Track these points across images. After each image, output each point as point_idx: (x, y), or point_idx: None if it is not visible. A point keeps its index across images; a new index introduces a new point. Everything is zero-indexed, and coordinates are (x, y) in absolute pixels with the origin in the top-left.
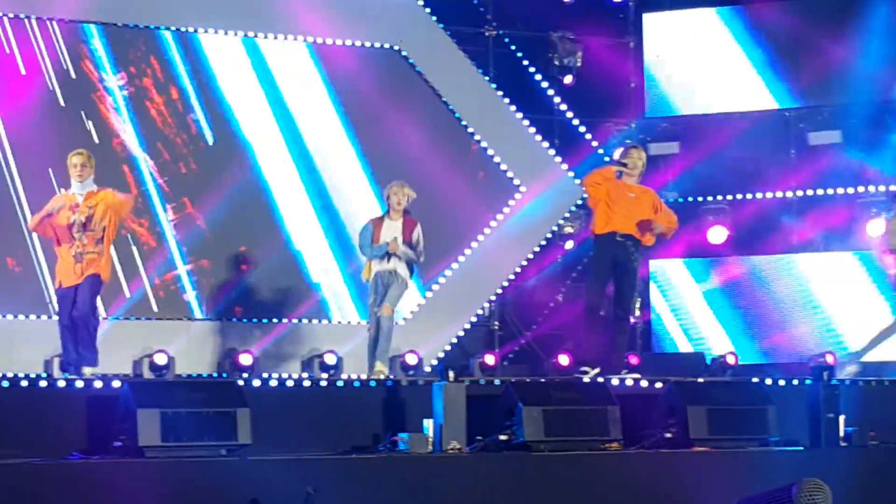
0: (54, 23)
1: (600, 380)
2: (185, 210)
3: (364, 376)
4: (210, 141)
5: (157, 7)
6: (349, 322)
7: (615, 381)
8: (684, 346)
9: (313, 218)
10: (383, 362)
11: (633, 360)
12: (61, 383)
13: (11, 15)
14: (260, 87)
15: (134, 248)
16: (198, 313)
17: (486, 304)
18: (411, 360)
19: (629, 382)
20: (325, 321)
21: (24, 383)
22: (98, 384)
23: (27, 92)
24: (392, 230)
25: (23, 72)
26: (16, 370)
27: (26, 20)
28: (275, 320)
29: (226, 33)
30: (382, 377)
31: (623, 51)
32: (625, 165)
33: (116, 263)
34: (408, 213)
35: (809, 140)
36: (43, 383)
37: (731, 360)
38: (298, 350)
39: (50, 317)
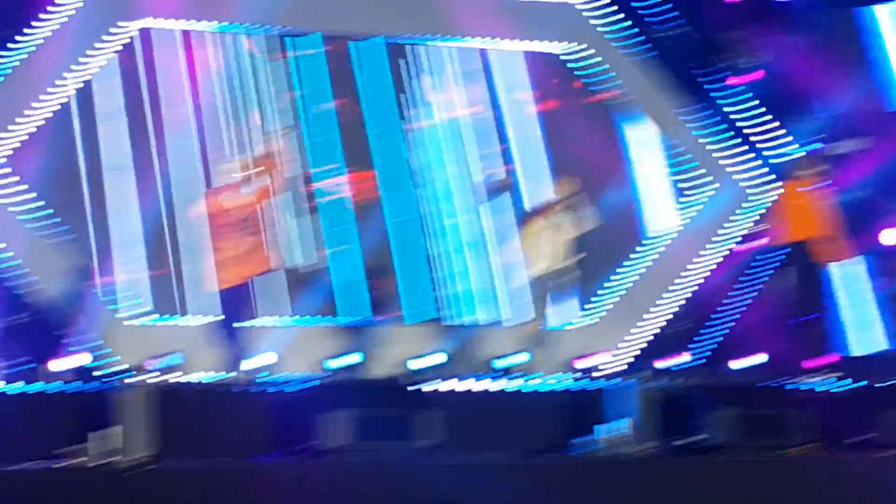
0: None
1: None
2: None
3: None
4: None
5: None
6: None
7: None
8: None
9: None
10: None
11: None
12: (252, 385)
13: None
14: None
15: None
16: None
17: (678, 305)
18: (602, 360)
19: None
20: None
21: (217, 385)
22: (289, 386)
23: None
24: None
25: None
26: (210, 372)
27: None
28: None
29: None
30: None
31: (813, 47)
32: None
33: None
34: None
35: None
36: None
37: None
38: (484, 353)
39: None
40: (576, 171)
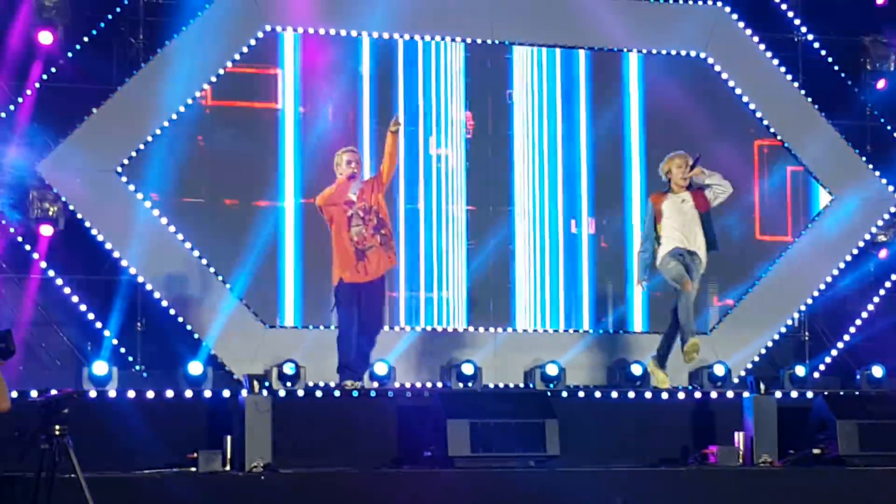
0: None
1: None
2: None
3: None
4: None
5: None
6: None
7: None
8: None
9: None
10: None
11: None
12: (373, 393)
13: None
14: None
15: None
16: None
17: (796, 315)
18: (720, 371)
19: None
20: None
21: (337, 393)
22: (408, 394)
23: None
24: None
25: None
26: (328, 379)
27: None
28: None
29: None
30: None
31: None
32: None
33: None
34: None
35: None
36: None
37: None
38: (606, 360)
39: None
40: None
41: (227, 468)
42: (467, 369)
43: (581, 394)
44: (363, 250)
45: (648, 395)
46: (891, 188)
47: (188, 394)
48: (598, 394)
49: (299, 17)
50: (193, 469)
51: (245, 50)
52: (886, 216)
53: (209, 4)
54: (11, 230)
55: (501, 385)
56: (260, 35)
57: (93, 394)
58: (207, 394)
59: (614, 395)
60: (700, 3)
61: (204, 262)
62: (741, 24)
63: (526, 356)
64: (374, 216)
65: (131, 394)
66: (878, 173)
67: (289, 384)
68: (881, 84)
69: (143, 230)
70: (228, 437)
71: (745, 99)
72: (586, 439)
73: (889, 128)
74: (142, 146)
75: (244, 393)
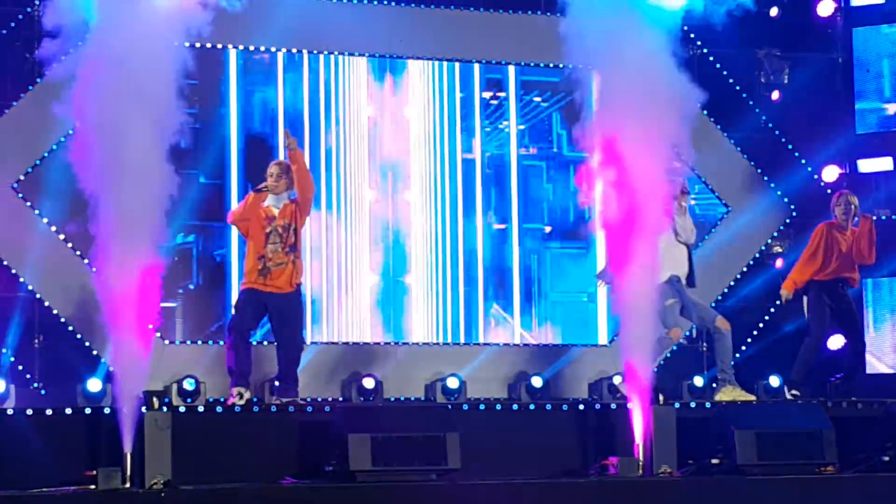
0: None
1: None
2: None
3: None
4: None
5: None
6: (554, 345)
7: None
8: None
9: None
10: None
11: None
12: (273, 408)
13: None
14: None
15: None
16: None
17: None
18: (619, 382)
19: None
20: (529, 344)
21: (237, 408)
22: (309, 409)
23: None
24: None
25: None
26: (228, 395)
27: None
28: (477, 344)
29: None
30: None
31: (832, 67)
32: None
33: None
34: None
35: None
36: (255, 407)
37: None
38: (503, 373)
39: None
40: None
41: (127, 485)
42: (368, 383)
43: (482, 406)
44: (270, 268)
45: (549, 407)
46: (786, 199)
47: (87, 410)
48: (498, 406)
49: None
50: (92, 487)
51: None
52: (781, 227)
53: None
54: None
55: (403, 399)
56: None
57: None
58: (107, 410)
59: (515, 407)
60: None
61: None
62: None
63: (427, 370)
64: (291, 235)
65: (29, 411)
66: (773, 185)
67: (189, 400)
68: (775, 95)
69: (39, 246)
70: (128, 454)
71: None
72: (487, 452)
73: (784, 140)
74: (38, 162)
75: (143, 409)
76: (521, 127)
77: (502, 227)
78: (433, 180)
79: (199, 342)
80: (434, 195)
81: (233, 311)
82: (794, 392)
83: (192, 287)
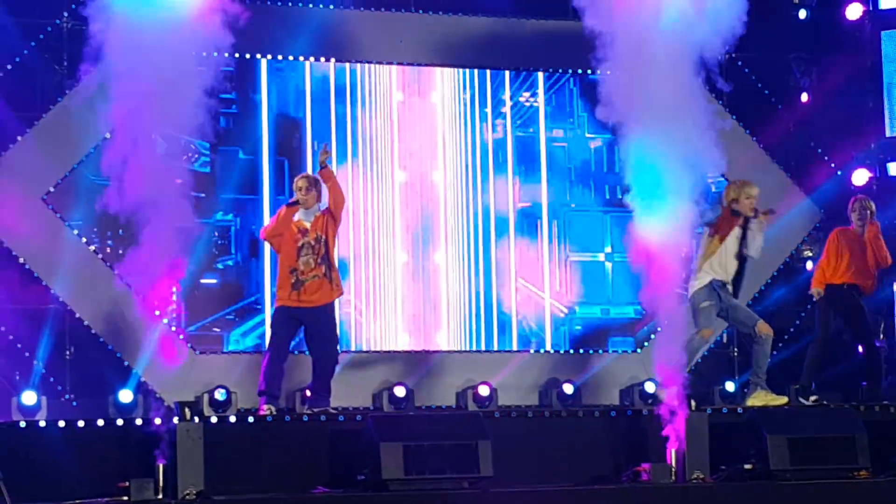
0: None
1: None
2: None
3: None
4: None
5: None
6: (584, 351)
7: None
8: None
9: None
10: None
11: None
12: (305, 418)
13: None
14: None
15: None
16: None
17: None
18: (650, 388)
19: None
20: (560, 351)
21: (269, 418)
22: (341, 418)
23: None
24: None
25: None
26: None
27: None
28: (511, 351)
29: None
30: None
31: (861, 70)
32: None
33: None
34: None
35: None
36: (287, 417)
37: None
38: (534, 380)
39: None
40: None
41: (160, 496)
42: (399, 391)
43: (513, 414)
44: (303, 281)
45: (581, 414)
46: (815, 204)
47: (119, 422)
48: (530, 413)
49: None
50: (125, 498)
51: None
52: (812, 232)
53: None
54: None
55: (434, 407)
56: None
57: (22, 424)
58: (139, 422)
59: (546, 414)
60: None
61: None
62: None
63: (458, 377)
64: (322, 247)
65: (61, 423)
66: (802, 189)
67: (220, 410)
68: (804, 97)
69: (70, 257)
70: (160, 466)
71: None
72: (519, 460)
73: (813, 144)
74: (67, 174)
75: (175, 420)
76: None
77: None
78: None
79: (231, 352)
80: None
81: (268, 331)
82: (813, 398)
83: (231, 263)
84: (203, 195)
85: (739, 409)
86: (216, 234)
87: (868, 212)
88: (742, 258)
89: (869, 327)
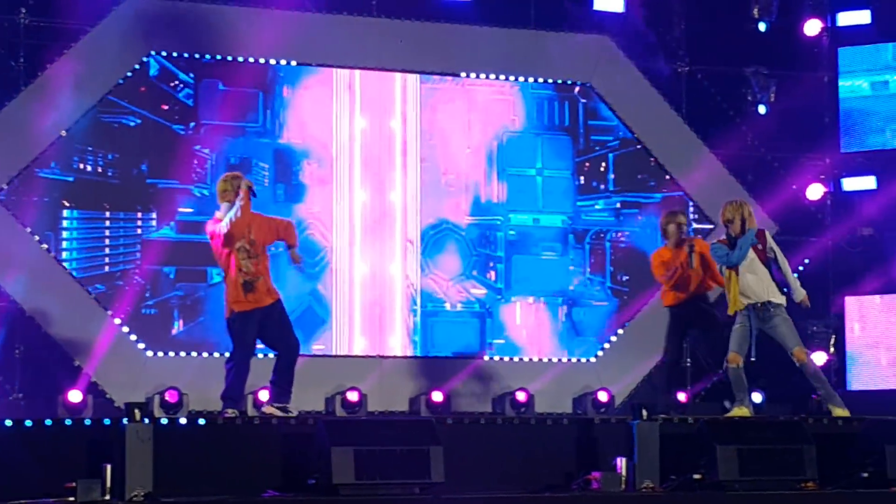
0: None
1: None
2: None
3: (556, 415)
4: None
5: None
6: (539, 360)
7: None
8: (881, 384)
9: None
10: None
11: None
12: (256, 420)
13: None
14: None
15: None
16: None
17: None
18: (603, 397)
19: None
20: (514, 358)
21: (220, 420)
22: (292, 422)
23: None
24: None
25: None
26: (211, 407)
27: None
28: (466, 357)
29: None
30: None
31: (817, 85)
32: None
33: None
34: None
35: None
36: (238, 421)
37: None
38: (491, 388)
39: None
40: None
41: (107, 497)
42: (352, 396)
43: (466, 421)
44: (252, 282)
45: (533, 421)
46: (770, 217)
47: (67, 422)
48: (482, 421)
49: (185, 43)
50: (72, 499)
51: (129, 75)
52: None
53: (92, 28)
54: None
55: (387, 412)
56: (143, 60)
57: None
58: (87, 422)
59: (499, 421)
60: (585, 34)
61: (85, 288)
62: (625, 55)
63: (411, 383)
64: (259, 254)
65: (9, 422)
66: (758, 202)
67: (171, 412)
68: (762, 110)
69: (22, 256)
70: (108, 466)
71: (629, 128)
72: (471, 466)
73: (769, 158)
74: (20, 172)
75: (125, 421)
76: None
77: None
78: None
79: (183, 353)
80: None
81: (233, 340)
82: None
83: None
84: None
85: (690, 420)
86: None
87: (683, 227)
88: (766, 267)
89: (719, 327)
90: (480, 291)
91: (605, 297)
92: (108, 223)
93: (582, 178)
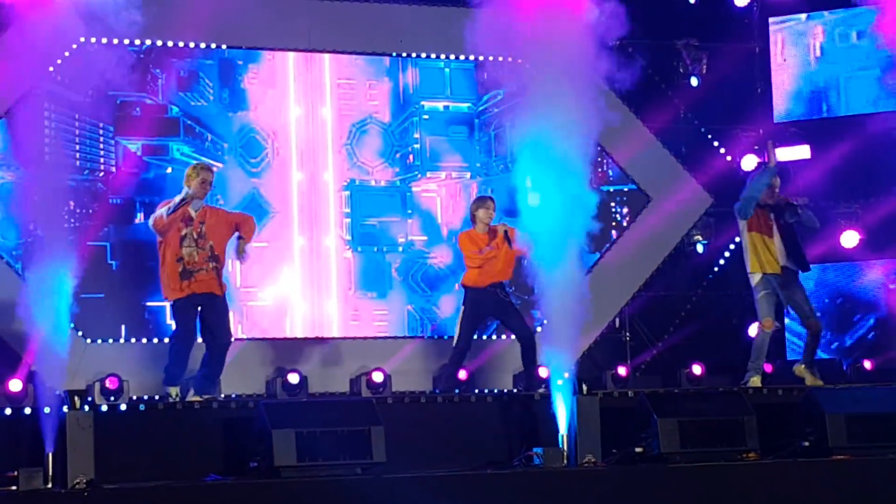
0: None
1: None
2: None
3: (497, 391)
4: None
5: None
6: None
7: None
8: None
9: None
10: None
11: (767, 368)
12: (196, 405)
13: None
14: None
15: None
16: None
17: (616, 315)
18: (543, 373)
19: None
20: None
21: (161, 406)
22: (233, 405)
23: None
24: None
25: None
26: (151, 393)
27: None
28: (405, 337)
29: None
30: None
31: (749, 56)
32: None
33: None
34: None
35: None
36: (178, 405)
37: (867, 365)
38: (427, 365)
39: None
40: None
41: (49, 486)
42: (293, 378)
43: (406, 400)
44: (192, 271)
45: (473, 399)
46: (705, 189)
47: (7, 411)
48: (423, 399)
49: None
50: (14, 488)
51: (59, 62)
52: (702, 216)
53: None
54: None
55: (327, 393)
56: (74, 47)
57: None
58: (27, 411)
59: (439, 399)
60: None
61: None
62: None
63: (351, 364)
64: (207, 246)
65: None
66: (693, 175)
67: (111, 398)
68: (694, 82)
69: None
70: (49, 454)
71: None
72: (412, 445)
73: (703, 129)
74: None
75: (65, 409)
76: None
77: None
78: None
79: (122, 340)
80: None
81: (173, 324)
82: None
83: None
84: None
85: (630, 393)
86: None
87: (492, 213)
88: (781, 232)
89: (521, 317)
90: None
91: None
92: None
93: None
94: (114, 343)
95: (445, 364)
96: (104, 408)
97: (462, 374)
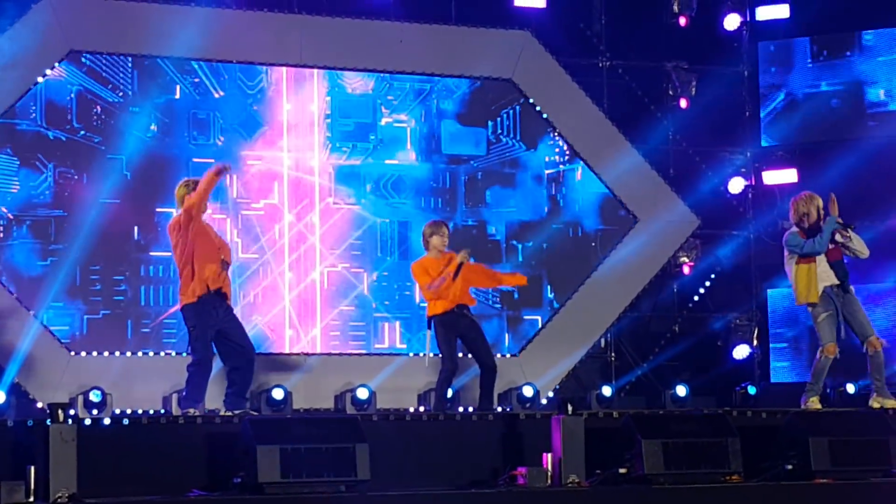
0: None
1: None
2: None
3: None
4: None
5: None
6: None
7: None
8: (805, 376)
9: None
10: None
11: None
12: (181, 420)
13: None
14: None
15: None
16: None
17: (602, 336)
18: (528, 392)
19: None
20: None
21: (145, 420)
22: (217, 421)
23: None
24: None
25: None
26: (135, 406)
27: None
28: (391, 354)
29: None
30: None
31: (737, 79)
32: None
33: None
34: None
35: None
36: (163, 420)
37: (850, 389)
38: (413, 383)
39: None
40: None
41: (31, 499)
42: (277, 394)
43: (391, 417)
44: (228, 263)
45: (458, 417)
46: (693, 211)
47: None
48: (408, 417)
49: (104, 41)
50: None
51: (48, 72)
52: (689, 238)
53: (10, 25)
54: None
55: (312, 409)
56: (62, 57)
57: None
58: (10, 423)
59: (424, 417)
60: (506, 29)
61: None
62: (546, 50)
63: (336, 380)
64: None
65: None
66: (680, 196)
67: (95, 412)
68: (683, 104)
69: None
70: (32, 468)
71: (552, 123)
72: (397, 463)
73: (691, 152)
74: None
75: (48, 422)
76: None
77: None
78: None
79: (107, 353)
80: None
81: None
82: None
83: None
84: None
85: (615, 414)
86: None
87: (446, 239)
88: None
89: (485, 341)
90: None
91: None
92: None
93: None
94: (97, 356)
95: (433, 388)
96: (87, 421)
97: (450, 394)
